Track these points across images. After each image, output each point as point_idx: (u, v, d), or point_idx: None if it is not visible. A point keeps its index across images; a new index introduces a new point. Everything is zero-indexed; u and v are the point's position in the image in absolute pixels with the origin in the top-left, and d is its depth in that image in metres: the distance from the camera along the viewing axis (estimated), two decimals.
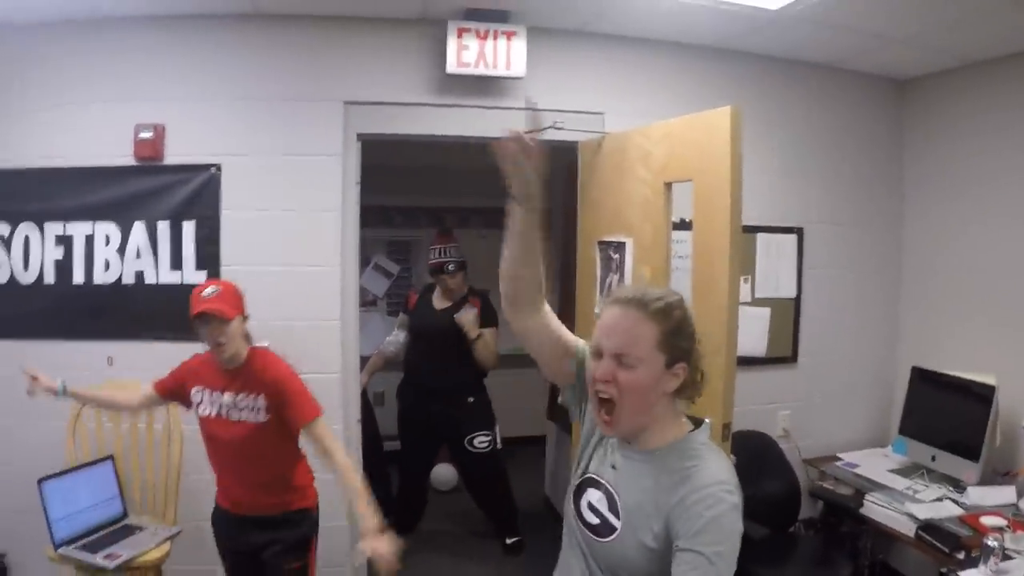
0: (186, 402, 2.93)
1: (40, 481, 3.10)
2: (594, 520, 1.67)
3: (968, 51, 3.87)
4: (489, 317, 4.51)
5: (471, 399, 4.55)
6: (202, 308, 2.67)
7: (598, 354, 1.61)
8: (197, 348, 3.39)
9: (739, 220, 2.84)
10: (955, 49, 3.86)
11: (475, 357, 4.46)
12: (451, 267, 4.51)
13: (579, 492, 1.74)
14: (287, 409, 2.80)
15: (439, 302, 4.62)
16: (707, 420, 1.69)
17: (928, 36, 3.67)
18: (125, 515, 3.40)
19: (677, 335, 1.59)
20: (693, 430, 1.65)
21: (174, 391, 2.96)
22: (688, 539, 1.46)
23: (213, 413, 2.81)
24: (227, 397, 2.79)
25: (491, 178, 5.59)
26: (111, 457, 3.41)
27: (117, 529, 3.30)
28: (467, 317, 4.42)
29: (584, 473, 1.76)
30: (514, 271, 1.71)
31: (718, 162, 2.86)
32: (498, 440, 4.64)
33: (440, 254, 4.55)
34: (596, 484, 1.70)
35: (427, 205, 6.34)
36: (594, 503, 1.68)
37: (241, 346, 2.79)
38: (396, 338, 4.77)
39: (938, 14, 3.37)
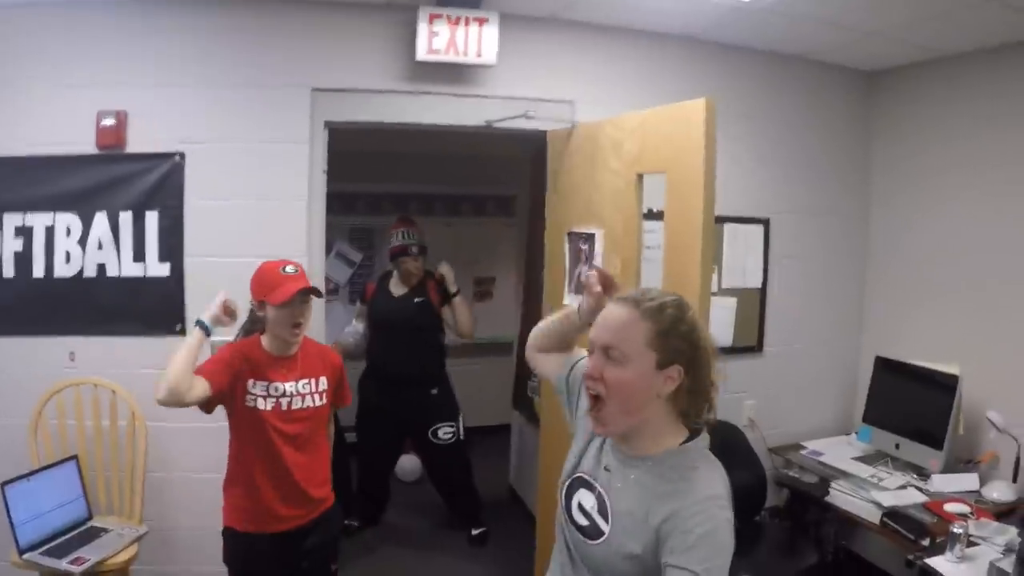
0: (226, 401, 2.69)
1: (2, 485, 3.00)
2: (583, 522, 1.67)
3: (935, 44, 3.91)
4: (447, 293, 4.55)
5: (434, 390, 4.53)
6: (305, 284, 2.69)
7: (592, 350, 1.62)
8: (162, 343, 3.39)
9: (712, 212, 2.82)
10: (922, 42, 3.89)
11: (455, 321, 4.53)
12: (414, 249, 4.47)
13: (570, 491, 1.73)
14: (341, 389, 2.94)
15: (397, 289, 4.58)
16: (704, 431, 1.67)
17: (895, 29, 3.69)
18: (90, 517, 3.32)
19: (670, 335, 1.55)
20: (689, 440, 1.62)
21: (227, 388, 2.65)
22: (679, 555, 1.45)
23: (270, 407, 2.69)
24: (289, 386, 2.72)
25: (454, 164, 5.57)
26: (75, 457, 3.32)
27: (83, 531, 3.22)
28: (447, 269, 4.53)
29: (576, 471, 1.75)
30: (549, 345, 2.04)
31: (692, 154, 2.83)
32: (462, 431, 4.62)
33: (402, 237, 4.51)
34: (588, 486, 1.69)
35: (390, 191, 6.26)
36: (585, 505, 1.68)
37: None
38: (355, 329, 4.71)
39: (906, 9, 3.39)
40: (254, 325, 2.80)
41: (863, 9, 3.46)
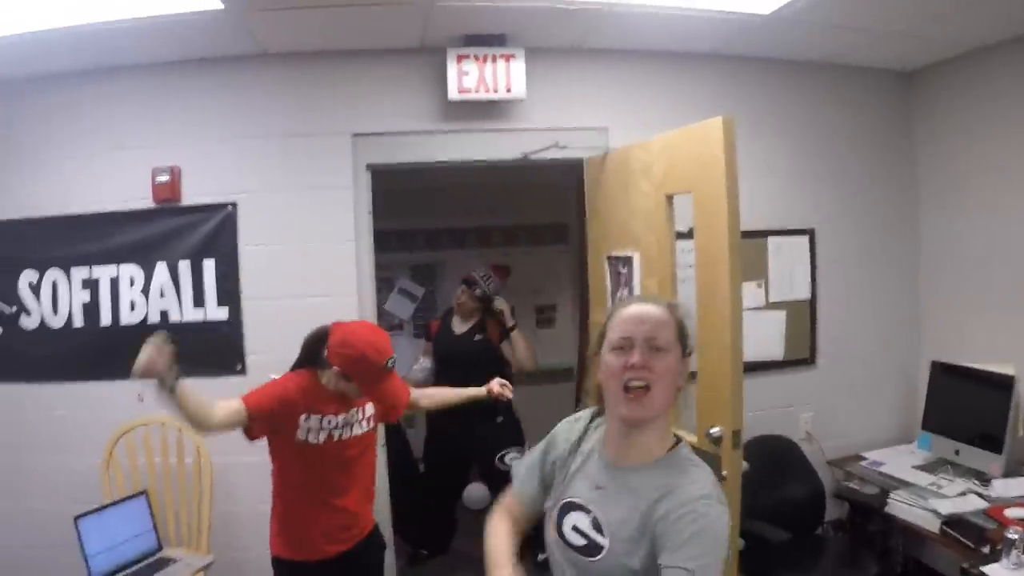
0: (276, 428, 2.67)
1: (77, 518, 3.19)
2: (580, 541, 1.72)
3: (967, 38, 3.86)
4: (508, 334, 4.60)
5: (500, 419, 4.53)
6: (398, 383, 2.78)
7: (621, 346, 1.69)
8: (224, 382, 3.59)
9: (737, 228, 2.86)
10: (953, 38, 3.84)
11: (514, 357, 4.56)
12: (477, 291, 4.56)
13: (561, 516, 1.78)
14: (389, 398, 2.79)
15: (459, 326, 4.68)
16: (683, 439, 1.77)
17: (923, 27, 3.65)
18: (160, 548, 3.48)
19: (684, 330, 1.74)
20: (674, 447, 1.73)
21: (271, 412, 2.62)
22: (672, 554, 1.52)
23: (322, 439, 2.71)
24: (341, 418, 2.75)
25: (508, 195, 5.66)
26: (145, 492, 3.51)
27: (152, 562, 3.38)
28: (504, 304, 4.57)
29: (564, 497, 1.80)
30: None
31: (714, 172, 2.89)
32: None
33: (482, 276, 4.63)
34: (579, 507, 1.75)
35: (448, 226, 6.39)
36: (580, 526, 1.73)
37: None
38: (423, 366, 4.79)
39: (928, 5, 3.38)
40: (309, 364, 2.78)
41: (884, 9, 3.44)
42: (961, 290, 4.26)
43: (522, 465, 1.95)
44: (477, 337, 4.59)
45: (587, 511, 1.72)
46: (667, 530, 1.56)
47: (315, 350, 2.76)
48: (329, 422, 2.73)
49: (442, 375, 4.65)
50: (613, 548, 1.65)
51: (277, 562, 2.87)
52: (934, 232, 4.44)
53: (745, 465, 2.95)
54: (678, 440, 1.76)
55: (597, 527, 1.69)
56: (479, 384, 4.43)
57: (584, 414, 1.92)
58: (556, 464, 1.87)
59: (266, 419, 2.63)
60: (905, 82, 4.48)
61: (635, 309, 1.73)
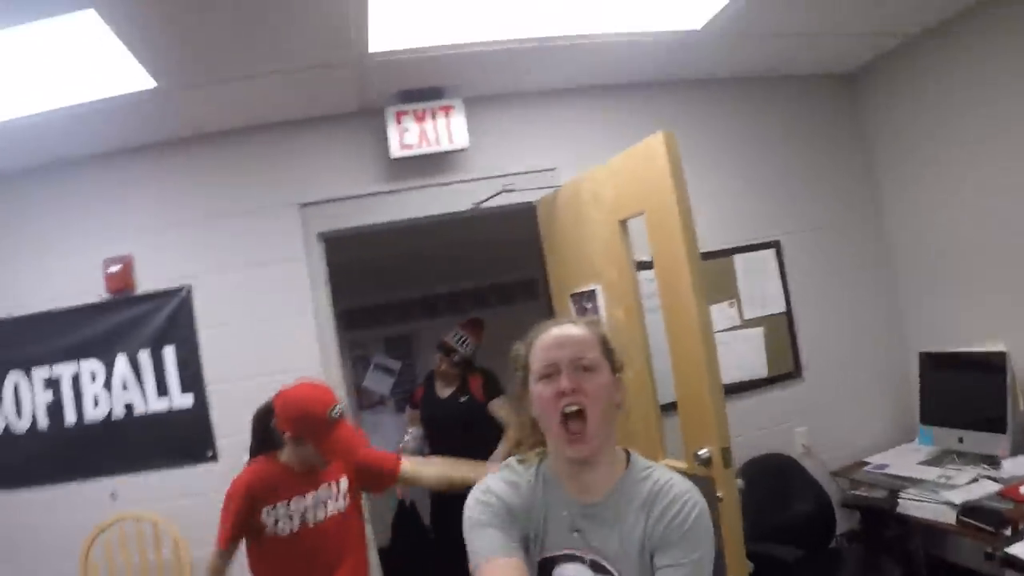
0: (246, 533, 2.61)
1: None
2: None
3: (897, 29, 3.89)
4: (493, 390, 4.48)
5: None
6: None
7: (548, 374, 1.61)
8: (195, 471, 3.55)
9: (694, 240, 2.83)
10: (884, 30, 3.88)
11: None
12: (455, 357, 4.48)
13: (545, 573, 1.65)
14: (372, 470, 2.81)
15: (442, 390, 4.59)
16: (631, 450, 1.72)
17: (852, 22, 3.68)
18: None
19: (608, 344, 1.67)
20: (628, 459, 1.69)
21: (240, 533, 2.60)
22: (667, 554, 1.53)
23: (296, 527, 2.60)
24: (309, 498, 2.63)
25: (474, 258, 5.56)
26: None
27: None
28: (498, 407, 4.42)
29: (543, 555, 1.65)
30: None
31: (663, 189, 2.86)
32: None
33: (454, 337, 4.54)
34: (568, 558, 1.63)
35: (418, 296, 6.37)
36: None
37: None
38: (413, 435, 4.66)
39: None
40: (266, 445, 2.72)
41: (811, 8, 3.46)
42: (936, 278, 4.22)
43: (487, 538, 1.60)
44: (462, 399, 4.50)
45: (578, 558, 1.62)
46: (658, 533, 1.55)
47: (265, 428, 2.70)
48: (298, 503, 2.62)
49: (434, 441, 4.55)
50: None
51: None
52: (900, 226, 4.42)
53: (740, 483, 2.87)
54: (627, 451, 1.71)
55: (599, 568, 1.60)
56: (472, 445, 4.21)
57: (516, 470, 1.72)
58: (518, 523, 1.65)
59: (239, 538, 2.60)
60: (848, 84, 4.52)
61: (555, 332, 1.66)
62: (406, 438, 4.70)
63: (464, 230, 4.17)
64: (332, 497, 2.70)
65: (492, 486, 1.67)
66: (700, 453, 2.86)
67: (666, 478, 1.63)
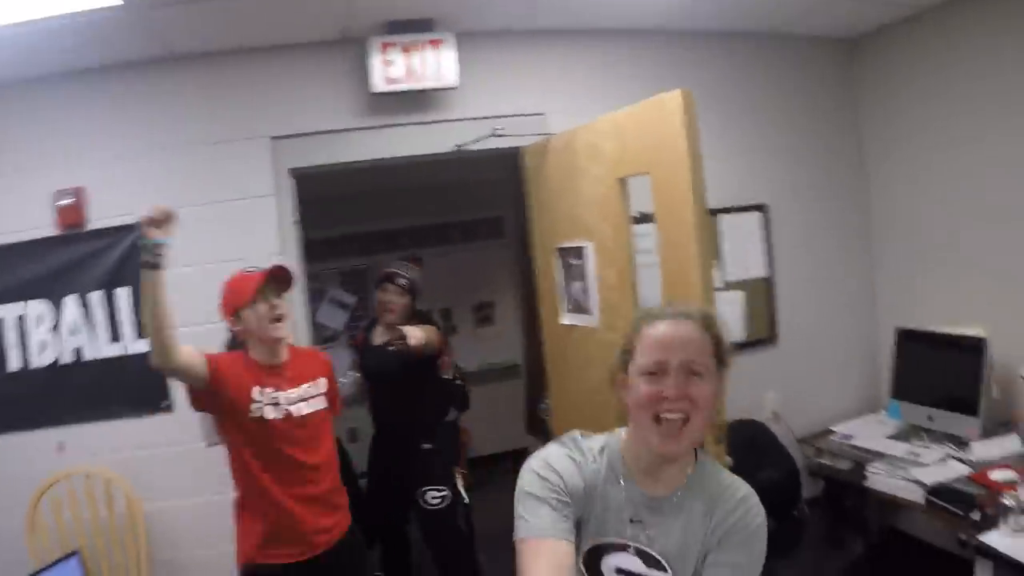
0: (229, 401, 2.48)
1: None
2: None
3: (912, 1, 3.78)
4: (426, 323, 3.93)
5: (426, 445, 3.92)
6: (274, 269, 2.59)
7: (654, 372, 1.52)
8: (150, 422, 3.36)
9: (704, 208, 2.71)
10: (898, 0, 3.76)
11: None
12: (401, 281, 3.91)
13: (595, 560, 1.59)
14: (334, 390, 2.83)
15: (379, 336, 4.04)
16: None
17: None
18: None
19: (721, 343, 1.58)
20: (696, 457, 1.64)
21: (228, 377, 2.47)
22: (723, 552, 1.53)
23: (280, 416, 2.54)
24: (293, 393, 2.60)
25: (439, 193, 5.34)
26: (76, 552, 3.17)
27: None
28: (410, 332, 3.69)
29: (595, 539, 1.59)
30: None
31: (674, 149, 2.71)
32: (462, 495, 4.01)
33: (394, 266, 4.03)
34: (620, 547, 1.57)
35: (379, 229, 6.15)
36: (625, 566, 1.57)
37: None
38: (348, 379, 4.16)
39: None
40: (234, 345, 2.71)
41: None
42: (917, 255, 4.21)
43: (540, 515, 1.52)
44: (392, 348, 3.69)
45: (630, 550, 1.56)
46: (721, 533, 1.54)
47: (232, 345, 2.74)
48: (281, 396, 2.57)
49: (371, 390, 4.14)
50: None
51: (248, 569, 2.61)
52: (885, 201, 4.39)
53: (728, 460, 2.78)
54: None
55: (652, 562, 1.55)
56: (400, 398, 3.92)
57: (582, 448, 1.64)
58: (573, 506, 1.57)
59: (223, 383, 2.46)
60: (849, 50, 4.42)
61: (669, 330, 1.54)
62: (342, 380, 4.23)
63: (433, 166, 3.94)
64: (314, 395, 2.69)
65: (553, 460, 1.59)
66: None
67: (733, 480, 1.62)
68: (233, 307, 2.57)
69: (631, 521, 1.56)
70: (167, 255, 2.25)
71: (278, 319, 2.57)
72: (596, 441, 1.65)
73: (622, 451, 1.61)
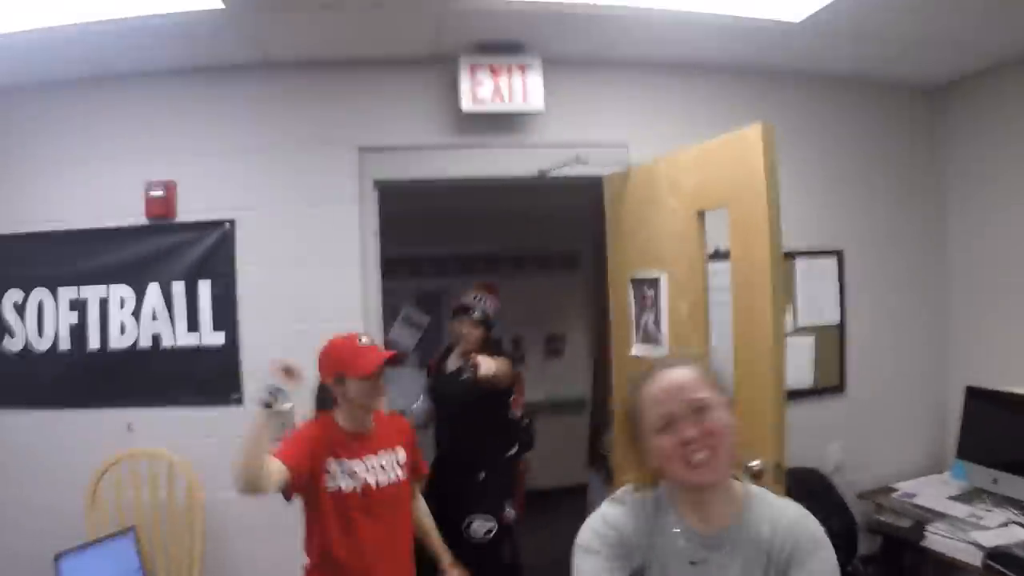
0: (302, 485, 2.51)
1: (58, 557, 2.95)
2: None
3: (995, 50, 3.74)
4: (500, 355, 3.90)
5: (482, 474, 3.88)
6: (387, 354, 2.62)
7: (668, 424, 1.55)
8: (219, 412, 3.43)
9: (779, 244, 2.69)
10: (982, 49, 3.72)
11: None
12: (475, 314, 3.95)
13: None
14: (416, 456, 2.83)
15: (452, 363, 4.08)
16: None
17: (952, 36, 3.53)
18: None
19: (718, 378, 1.63)
20: (737, 485, 1.65)
21: (305, 470, 2.48)
22: (797, 569, 1.52)
23: (358, 486, 2.57)
24: (370, 462, 2.62)
25: (517, 222, 5.33)
26: (132, 529, 3.26)
27: None
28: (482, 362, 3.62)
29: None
30: None
31: (753, 184, 2.71)
32: (510, 528, 3.94)
33: (472, 298, 4.03)
34: None
35: (455, 253, 6.25)
36: None
37: None
38: (421, 405, 4.22)
39: (958, 13, 3.25)
40: (323, 404, 2.69)
41: (918, 18, 3.32)
42: (992, 313, 4.11)
43: (592, 565, 1.59)
44: (464, 376, 3.64)
45: None
46: (788, 553, 1.54)
47: (320, 390, 2.70)
48: (358, 466, 2.59)
49: (437, 417, 4.16)
50: None
51: None
52: (963, 253, 4.30)
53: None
54: (735, 476, 1.67)
55: None
56: (462, 426, 3.93)
57: (634, 502, 1.67)
58: (628, 558, 1.61)
59: (304, 470, 2.48)
60: (931, 97, 4.36)
61: (665, 381, 1.60)
62: (414, 406, 4.26)
63: (512, 193, 4.00)
64: (391, 465, 2.68)
65: (609, 516, 1.65)
66: (752, 464, 2.74)
67: (787, 501, 1.65)
68: (339, 372, 2.58)
69: (691, 564, 1.57)
70: (281, 402, 2.31)
71: (381, 396, 2.65)
72: (647, 493, 1.67)
73: (669, 499, 1.64)
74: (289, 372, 2.34)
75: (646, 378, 1.63)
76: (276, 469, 2.36)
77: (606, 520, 1.64)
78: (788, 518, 1.58)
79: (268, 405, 2.29)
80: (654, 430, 1.57)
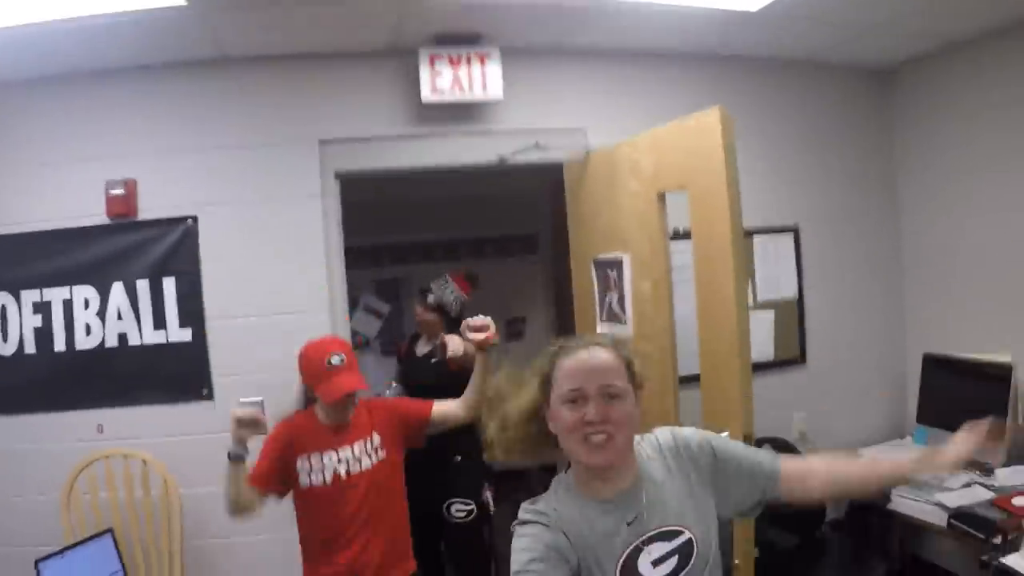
0: (284, 486, 2.63)
1: (38, 562, 2.92)
2: (669, 567, 1.60)
3: (946, 31, 3.81)
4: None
5: (458, 458, 3.95)
6: (352, 383, 2.63)
7: (574, 399, 1.60)
8: (190, 408, 3.43)
9: (740, 224, 2.75)
10: (933, 31, 3.80)
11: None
12: (430, 298, 4.06)
13: (629, 571, 1.60)
14: (403, 419, 2.85)
15: (422, 347, 4.20)
16: None
17: (904, 19, 3.59)
18: None
19: (631, 366, 1.67)
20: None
21: (277, 475, 2.59)
22: (716, 457, 1.72)
23: (328, 479, 2.62)
24: (344, 452, 2.65)
25: (475, 208, 5.37)
26: (110, 530, 3.24)
27: None
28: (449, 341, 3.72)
29: (620, 558, 1.60)
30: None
31: (712, 166, 2.76)
32: (490, 506, 4.05)
33: (440, 286, 4.11)
34: (640, 548, 1.60)
35: (414, 240, 6.24)
36: (653, 558, 1.60)
37: None
38: (393, 391, 4.23)
39: None
40: (313, 399, 2.75)
41: (869, 2, 3.38)
42: (947, 283, 4.22)
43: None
44: (434, 359, 3.95)
45: (649, 540, 1.61)
46: (689, 459, 1.71)
47: (309, 394, 2.75)
48: (329, 459, 2.63)
49: None
50: (697, 531, 1.64)
51: None
52: (916, 227, 4.41)
53: None
54: None
55: (670, 536, 1.62)
56: None
57: (541, 509, 1.65)
58: (567, 558, 1.58)
59: (275, 483, 2.59)
60: (884, 79, 4.46)
61: (583, 357, 1.64)
62: (387, 392, 4.27)
63: (470, 180, 4.03)
64: (364, 452, 2.70)
65: (528, 538, 1.60)
66: (722, 435, 2.80)
67: (651, 432, 1.78)
68: (309, 384, 2.68)
69: (628, 524, 1.60)
70: (249, 451, 2.43)
71: (347, 411, 2.68)
72: (548, 493, 1.70)
73: (575, 482, 1.68)
74: (246, 422, 2.40)
75: (572, 347, 1.67)
76: (257, 497, 2.51)
77: (524, 539, 1.60)
78: (664, 436, 1.75)
79: (240, 458, 2.41)
80: (562, 400, 1.61)
